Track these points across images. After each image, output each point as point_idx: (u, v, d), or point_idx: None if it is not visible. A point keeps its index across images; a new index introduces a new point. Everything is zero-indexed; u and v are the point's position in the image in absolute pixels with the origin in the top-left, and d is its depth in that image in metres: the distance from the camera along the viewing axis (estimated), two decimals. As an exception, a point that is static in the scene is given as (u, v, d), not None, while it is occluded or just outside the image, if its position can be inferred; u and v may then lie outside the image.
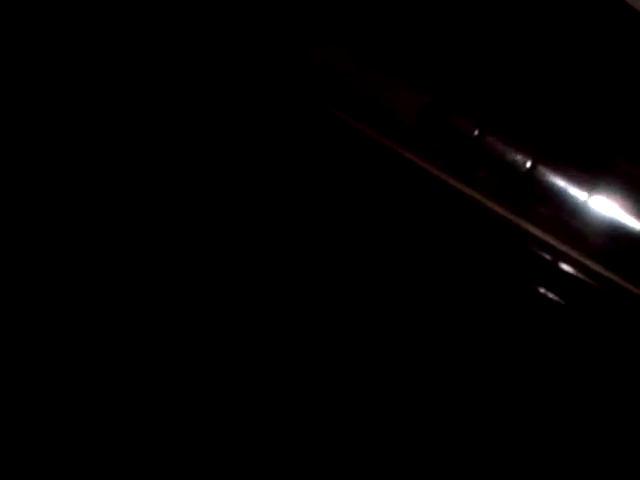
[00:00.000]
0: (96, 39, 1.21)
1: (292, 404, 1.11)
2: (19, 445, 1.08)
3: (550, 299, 1.09)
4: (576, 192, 1.05)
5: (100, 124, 1.22)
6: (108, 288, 1.16)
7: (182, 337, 1.15)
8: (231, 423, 1.10)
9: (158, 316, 1.15)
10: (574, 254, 1.07)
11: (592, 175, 1.05)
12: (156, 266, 1.17)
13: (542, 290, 1.09)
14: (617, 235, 1.04)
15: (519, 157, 1.08)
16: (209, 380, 1.13)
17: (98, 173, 1.20)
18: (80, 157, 1.21)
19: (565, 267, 1.08)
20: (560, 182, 1.06)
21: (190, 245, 1.19)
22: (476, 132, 1.10)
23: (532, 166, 1.07)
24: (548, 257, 1.08)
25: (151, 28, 1.18)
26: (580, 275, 1.07)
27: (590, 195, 1.04)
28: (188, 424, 1.10)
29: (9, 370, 1.11)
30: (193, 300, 1.16)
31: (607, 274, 1.05)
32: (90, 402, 1.11)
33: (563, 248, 1.07)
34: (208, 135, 1.20)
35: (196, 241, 1.19)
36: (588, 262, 1.06)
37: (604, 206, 1.04)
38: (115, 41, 1.19)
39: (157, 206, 1.19)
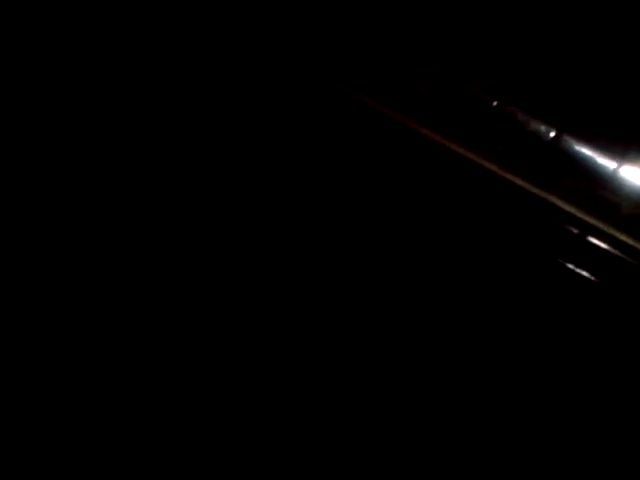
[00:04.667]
0: (96, 39, 1.16)
1: (292, 403, 1.06)
2: (19, 445, 1.03)
3: (579, 274, 1.04)
4: (605, 161, 1.00)
5: (100, 124, 1.15)
6: (108, 287, 1.10)
7: (182, 336, 1.09)
8: (231, 422, 1.05)
9: (158, 315, 1.09)
10: (603, 227, 1.02)
11: (622, 143, 1.00)
12: (156, 265, 1.11)
13: (571, 266, 1.04)
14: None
15: (542, 127, 1.03)
16: (209, 379, 1.07)
17: (98, 173, 1.14)
18: (80, 157, 1.15)
19: (595, 241, 1.03)
20: (587, 151, 1.01)
21: (191, 243, 1.13)
22: (495, 103, 1.05)
23: (557, 135, 1.02)
24: (576, 231, 1.03)
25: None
26: (611, 249, 1.02)
27: (620, 164, 1.00)
28: (188, 423, 1.05)
29: (9, 370, 1.06)
30: (193, 299, 1.11)
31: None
32: (90, 401, 1.05)
33: (592, 221, 1.02)
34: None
35: (198, 238, 1.13)
36: (618, 235, 1.01)
37: (635, 175, 0.99)
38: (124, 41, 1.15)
39: (159, 204, 1.14)
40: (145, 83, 1.16)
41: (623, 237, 1.01)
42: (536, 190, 1.04)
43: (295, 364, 1.08)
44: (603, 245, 1.02)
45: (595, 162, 1.01)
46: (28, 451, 1.02)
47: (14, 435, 1.03)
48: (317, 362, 1.08)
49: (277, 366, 1.08)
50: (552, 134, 1.02)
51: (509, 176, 1.05)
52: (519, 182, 1.05)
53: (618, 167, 1.00)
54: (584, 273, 1.03)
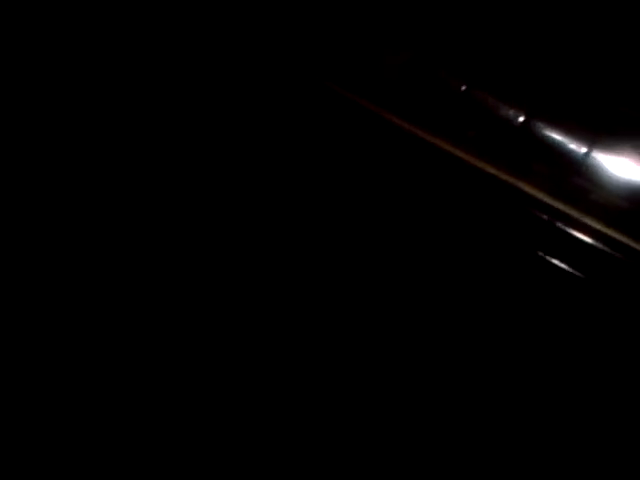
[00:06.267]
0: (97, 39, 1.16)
1: (292, 404, 1.05)
2: (19, 445, 1.03)
3: (550, 262, 1.01)
4: (575, 146, 0.98)
5: (100, 124, 1.16)
6: (108, 288, 1.11)
7: (181, 336, 1.10)
8: (231, 423, 1.05)
9: (158, 315, 1.10)
10: (573, 213, 1.00)
11: (592, 128, 0.98)
12: (156, 265, 1.12)
13: (540, 253, 1.02)
14: (622, 191, 0.97)
15: (511, 111, 1.01)
16: (209, 380, 1.07)
17: (98, 173, 1.15)
18: (80, 157, 1.15)
19: (564, 227, 1.00)
20: (557, 136, 0.99)
21: (191, 243, 1.13)
22: (464, 87, 1.03)
23: (526, 120, 1.00)
24: (545, 217, 1.01)
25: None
26: (582, 236, 1.00)
27: (590, 149, 0.98)
28: (188, 424, 1.05)
29: (9, 370, 1.06)
30: (192, 299, 1.11)
31: (612, 234, 0.98)
32: (90, 402, 1.06)
33: (561, 207, 1.00)
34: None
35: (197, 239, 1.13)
36: (588, 221, 0.99)
37: (606, 160, 0.97)
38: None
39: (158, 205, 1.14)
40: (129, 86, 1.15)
41: (593, 223, 0.98)
42: (506, 177, 1.02)
43: (292, 363, 1.08)
44: (573, 231, 1.00)
45: (565, 147, 0.99)
46: (28, 451, 1.03)
47: (14, 435, 1.03)
48: (313, 361, 1.08)
49: (276, 365, 1.08)
50: (521, 119, 1.00)
51: (479, 163, 1.03)
52: (489, 169, 1.03)
53: (588, 152, 0.98)
54: (554, 260, 1.01)
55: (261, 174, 1.13)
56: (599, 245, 0.99)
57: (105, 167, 1.15)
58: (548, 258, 1.01)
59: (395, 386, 1.05)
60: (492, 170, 1.03)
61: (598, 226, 0.99)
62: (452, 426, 1.03)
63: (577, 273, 1.00)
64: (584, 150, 0.98)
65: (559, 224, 1.00)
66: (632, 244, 0.97)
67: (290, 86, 1.11)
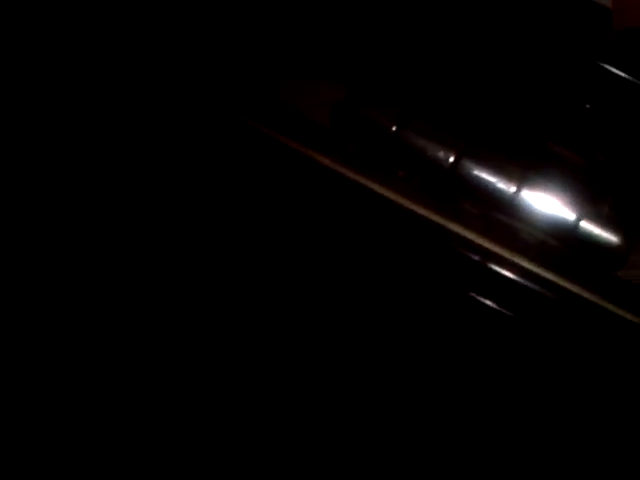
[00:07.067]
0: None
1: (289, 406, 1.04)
2: (19, 445, 1.02)
3: (481, 303, 1.00)
4: (504, 185, 0.99)
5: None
6: (107, 289, 1.08)
7: (179, 338, 1.07)
8: (231, 423, 1.03)
9: (157, 317, 1.07)
10: (504, 253, 1.00)
11: (522, 166, 0.99)
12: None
13: (472, 294, 1.01)
14: (551, 229, 0.98)
15: (442, 152, 1.01)
16: (209, 380, 1.05)
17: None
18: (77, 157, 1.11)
19: (495, 267, 1.00)
20: (486, 176, 1.00)
21: None
22: (394, 128, 1.03)
23: (456, 160, 1.01)
24: (476, 258, 1.00)
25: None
26: (513, 275, 0.99)
27: (520, 188, 0.98)
28: (188, 424, 1.03)
29: (9, 370, 1.04)
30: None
31: (542, 273, 0.98)
32: (90, 402, 1.04)
33: (492, 247, 1.00)
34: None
35: None
36: (520, 261, 0.99)
37: (536, 198, 0.98)
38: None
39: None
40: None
41: (523, 262, 0.98)
42: (436, 217, 1.01)
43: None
44: (504, 271, 0.99)
45: (494, 186, 0.99)
46: (28, 451, 1.01)
47: (14, 435, 1.01)
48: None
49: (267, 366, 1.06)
50: (451, 159, 1.00)
51: (408, 203, 1.02)
52: (419, 209, 1.02)
53: (518, 191, 0.98)
54: (486, 301, 1.00)
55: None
56: (530, 284, 0.98)
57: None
58: (480, 299, 1.00)
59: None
60: (422, 211, 1.02)
61: (529, 265, 0.98)
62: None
63: (508, 313, 1.00)
64: (513, 189, 0.98)
65: (490, 264, 1.00)
66: (563, 283, 0.97)
67: (212, 124, 1.09)
